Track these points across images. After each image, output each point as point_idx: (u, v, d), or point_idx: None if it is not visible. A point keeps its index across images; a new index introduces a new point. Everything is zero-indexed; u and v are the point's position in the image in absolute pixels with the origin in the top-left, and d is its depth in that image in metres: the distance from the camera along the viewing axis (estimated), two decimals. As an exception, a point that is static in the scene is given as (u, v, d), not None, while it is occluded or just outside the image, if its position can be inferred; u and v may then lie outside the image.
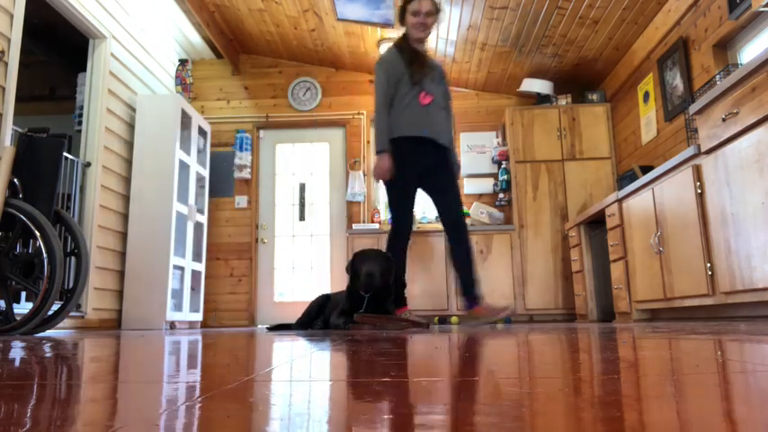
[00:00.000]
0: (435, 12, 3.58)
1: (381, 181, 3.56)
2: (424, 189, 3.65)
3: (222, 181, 6.08)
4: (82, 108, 4.68)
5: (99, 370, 0.76)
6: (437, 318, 5.28)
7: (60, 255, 2.85)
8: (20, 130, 3.27)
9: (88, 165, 4.45)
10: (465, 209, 3.57)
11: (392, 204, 3.57)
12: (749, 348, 0.90)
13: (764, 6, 3.06)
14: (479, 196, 5.95)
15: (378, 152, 3.47)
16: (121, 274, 4.82)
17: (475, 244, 5.36)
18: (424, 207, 6.04)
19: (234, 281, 5.93)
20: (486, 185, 5.91)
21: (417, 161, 3.53)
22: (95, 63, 4.61)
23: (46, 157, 2.98)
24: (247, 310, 5.88)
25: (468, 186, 5.96)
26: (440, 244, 5.38)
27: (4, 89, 3.53)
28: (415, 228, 3.52)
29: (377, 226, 5.60)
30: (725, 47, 3.85)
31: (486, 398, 0.44)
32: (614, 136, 5.52)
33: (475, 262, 3.54)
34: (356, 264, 3.23)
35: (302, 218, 6.15)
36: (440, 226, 5.87)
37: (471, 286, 3.47)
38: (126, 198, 4.92)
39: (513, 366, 0.70)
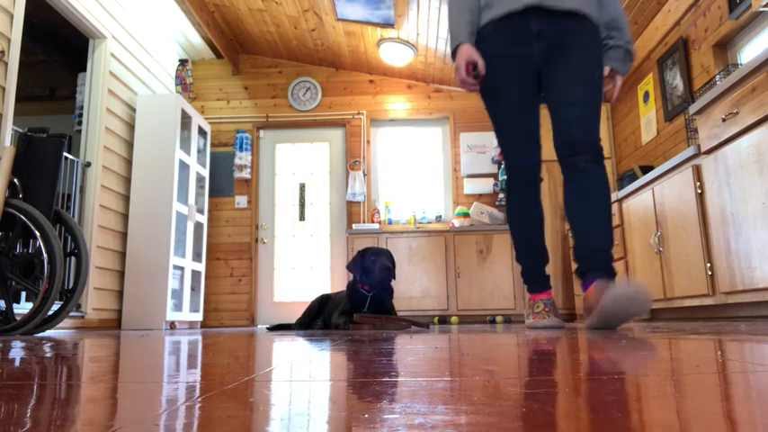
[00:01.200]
0: None
1: (481, 96, 2.37)
2: (543, 90, 2.25)
3: (222, 181, 6.08)
4: (82, 108, 4.68)
5: (99, 370, 0.76)
6: (437, 318, 5.28)
7: (60, 255, 2.85)
8: (20, 130, 3.27)
9: (88, 165, 4.45)
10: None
11: (497, 127, 2.30)
12: (749, 348, 0.90)
13: (764, 6, 3.06)
14: (479, 196, 5.95)
15: (453, 51, 2.26)
16: (121, 274, 4.82)
17: (475, 244, 5.35)
18: (424, 206, 6.04)
19: (234, 281, 5.93)
20: (486, 185, 5.91)
21: (521, 53, 2.18)
22: (95, 63, 4.61)
23: (46, 157, 2.98)
24: (247, 310, 5.88)
25: (468, 186, 5.96)
26: (440, 244, 5.37)
27: (4, 89, 3.53)
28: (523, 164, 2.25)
29: (377, 226, 5.60)
30: (725, 47, 3.85)
31: (486, 397, 0.44)
32: (614, 136, 5.52)
33: (610, 215, 2.06)
34: (366, 260, 3.23)
35: (302, 218, 6.15)
36: (439, 226, 5.87)
37: (597, 252, 2.01)
38: (126, 198, 4.92)
39: (513, 366, 0.70)
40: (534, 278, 2.30)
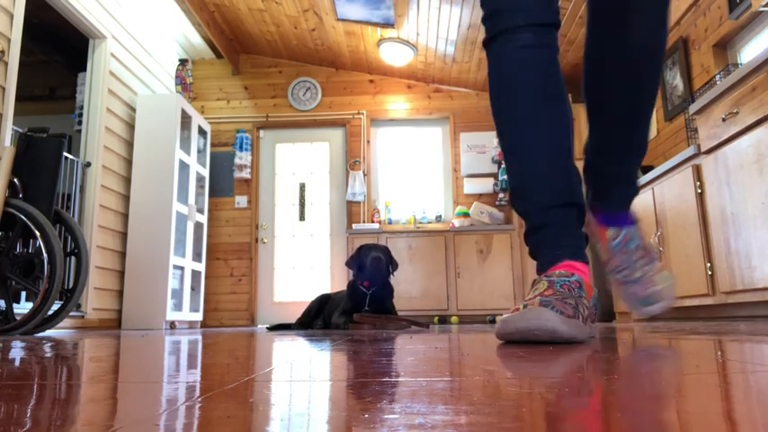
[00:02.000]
0: None
1: None
2: None
3: (222, 181, 6.08)
4: (82, 108, 4.68)
5: (99, 370, 0.76)
6: (437, 318, 5.28)
7: (60, 255, 2.85)
8: (20, 130, 3.27)
9: (88, 165, 4.45)
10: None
11: None
12: (749, 348, 0.90)
13: (764, 6, 3.06)
14: (479, 196, 5.95)
15: None
16: (121, 274, 4.82)
17: (475, 244, 5.35)
18: (424, 206, 6.04)
19: (234, 281, 5.93)
20: (487, 185, 5.91)
21: None
22: (95, 63, 4.61)
23: (46, 157, 2.98)
24: (247, 310, 5.88)
25: (468, 186, 5.96)
26: (440, 244, 5.37)
27: (4, 89, 3.53)
28: None
29: (377, 226, 5.60)
30: (725, 47, 3.85)
31: (486, 397, 0.44)
32: (614, 136, 5.52)
33: (648, 120, 1.25)
34: (361, 255, 3.29)
35: (302, 218, 6.15)
36: (439, 226, 5.86)
37: (618, 176, 1.32)
38: (126, 198, 4.92)
39: (513, 366, 0.70)
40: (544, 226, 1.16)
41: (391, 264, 3.34)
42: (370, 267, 3.21)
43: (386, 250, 3.32)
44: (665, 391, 0.45)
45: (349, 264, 3.36)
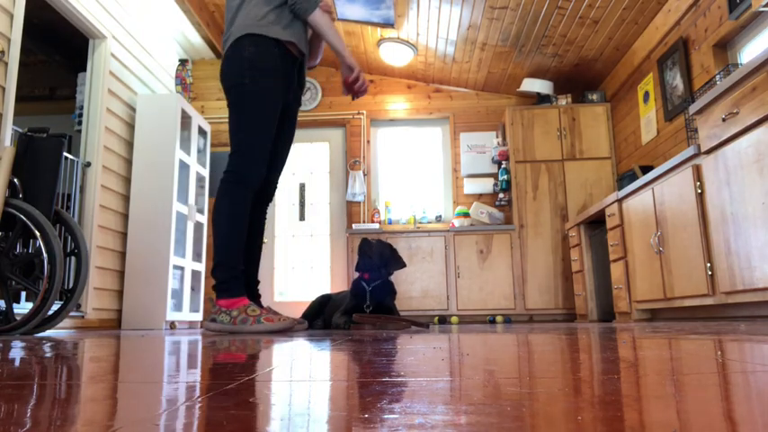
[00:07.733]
0: None
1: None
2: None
3: (222, 181, 6.08)
4: (82, 108, 4.67)
5: (99, 370, 0.76)
6: (437, 318, 5.28)
7: (60, 255, 2.85)
8: (20, 130, 3.27)
9: (88, 165, 4.45)
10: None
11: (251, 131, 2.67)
12: (749, 348, 0.90)
13: (764, 6, 3.06)
14: (479, 196, 5.95)
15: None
16: (121, 274, 4.81)
17: (475, 244, 5.36)
18: (424, 206, 6.04)
19: (234, 281, 5.93)
20: (486, 185, 5.92)
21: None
22: (95, 63, 4.61)
23: (46, 157, 2.97)
24: (247, 310, 5.88)
25: (468, 186, 5.96)
26: (440, 244, 5.38)
27: (4, 89, 3.52)
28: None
29: (377, 226, 5.60)
30: (725, 47, 3.85)
31: (487, 398, 0.44)
32: (614, 136, 5.53)
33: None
34: (359, 250, 3.38)
35: (302, 218, 6.15)
36: (439, 226, 5.88)
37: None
38: (126, 198, 4.92)
39: (513, 366, 0.70)
40: (240, 281, 2.73)
41: (393, 261, 3.34)
42: (359, 251, 3.31)
43: (381, 246, 3.36)
44: (666, 391, 0.45)
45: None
